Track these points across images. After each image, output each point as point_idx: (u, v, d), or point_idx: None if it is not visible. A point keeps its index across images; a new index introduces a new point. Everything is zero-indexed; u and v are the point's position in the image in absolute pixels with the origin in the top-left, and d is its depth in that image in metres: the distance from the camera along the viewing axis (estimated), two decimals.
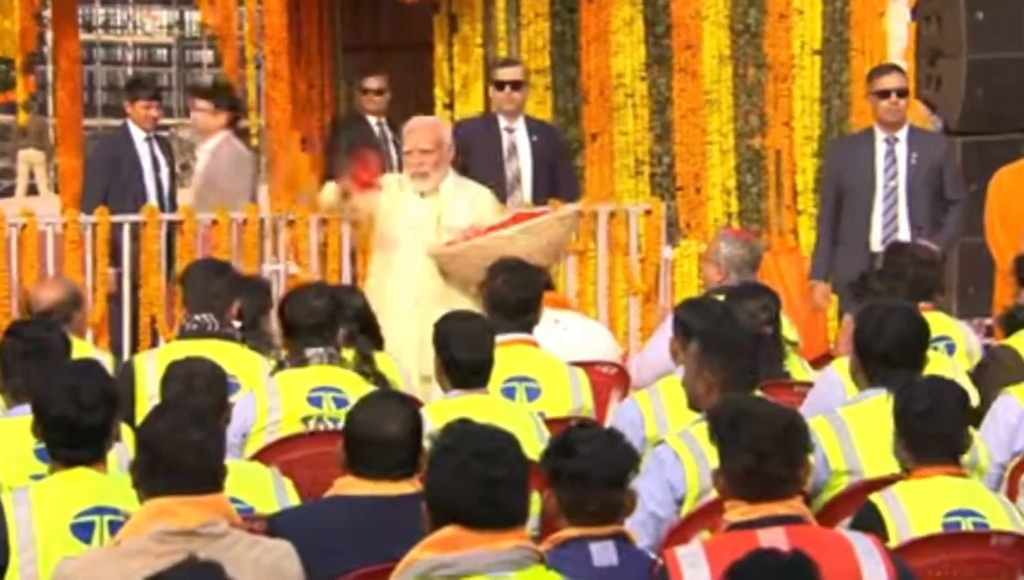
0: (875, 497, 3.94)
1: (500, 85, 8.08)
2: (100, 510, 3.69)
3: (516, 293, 5.49)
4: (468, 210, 6.69)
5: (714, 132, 9.07)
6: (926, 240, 7.14)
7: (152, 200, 8.10)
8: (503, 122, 8.00)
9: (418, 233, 6.62)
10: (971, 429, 4.61)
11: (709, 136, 9.06)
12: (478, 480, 3.20)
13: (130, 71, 25.10)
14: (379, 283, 6.64)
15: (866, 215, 7.37)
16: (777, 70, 9.07)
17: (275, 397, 5.00)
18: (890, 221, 7.35)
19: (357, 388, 5.05)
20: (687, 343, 4.84)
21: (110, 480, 3.77)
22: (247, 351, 5.49)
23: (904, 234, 7.32)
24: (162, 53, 28.04)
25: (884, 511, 3.88)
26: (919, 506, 3.89)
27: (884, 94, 7.40)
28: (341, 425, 4.83)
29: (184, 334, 5.54)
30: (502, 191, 7.86)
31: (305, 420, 4.99)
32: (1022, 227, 7.61)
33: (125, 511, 3.60)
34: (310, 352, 5.10)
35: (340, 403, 5.00)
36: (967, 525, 3.87)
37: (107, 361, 5.56)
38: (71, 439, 3.78)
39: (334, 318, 5.22)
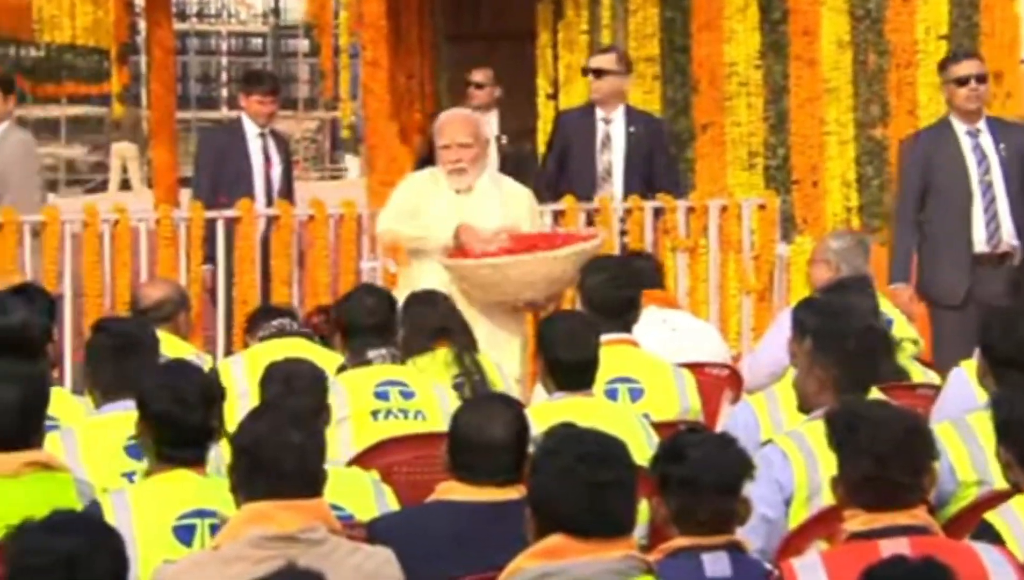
0: (990, 516, 3.88)
1: (585, 72, 8.11)
2: (201, 513, 3.74)
3: (617, 291, 5.49)
4: (501, 210, 6.56)
5: (832, 122, 9.01)
6: None
7: (261, 197, 8.13)
8: (600, 112, 7.98)
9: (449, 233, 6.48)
10: None
11: (827, 126, 9.00)
12: (584, 485, 3.21)
13: (224, 61, 25.40)
14: (411, 286, 6.37)
15: (963, 214, 7.14)
16: (900, 56, 8.98)
17: (340, 395, 5.05)
18: (991, 218, 7.19)
19: (422, 382, 5.12)
20: (803, 342, 4.82)
21: (210, 482, 3.83)
22: (327, 351, 5.57)
23: (1007, 231, 7.17)
24: (257, 42, 28.35)
25: (1003, 529, 3.81)
26: None
27: (963, 81, 7.25)
28: (411, 416, 4.91)
29: (265, 337, 5.67)
30: (592, 184, 7.86)
31: (374, 414, 5.05)
32: None
33: (224, 515, 3.65)
34: (372, 353, 5.17)
35: (407, 395, 5.07)
36: None
37: (206, 364, 5.65)
38: (174, 437, 3.85)
39: (392, 317, 5.26)
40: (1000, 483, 4.24)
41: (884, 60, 9.03)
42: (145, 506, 3.75)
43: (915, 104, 8.92)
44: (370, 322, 5.22)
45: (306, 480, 3.50)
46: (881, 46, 9.04)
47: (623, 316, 5.48)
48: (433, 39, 9.92)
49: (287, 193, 8.30)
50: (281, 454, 3.49)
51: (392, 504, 4.25)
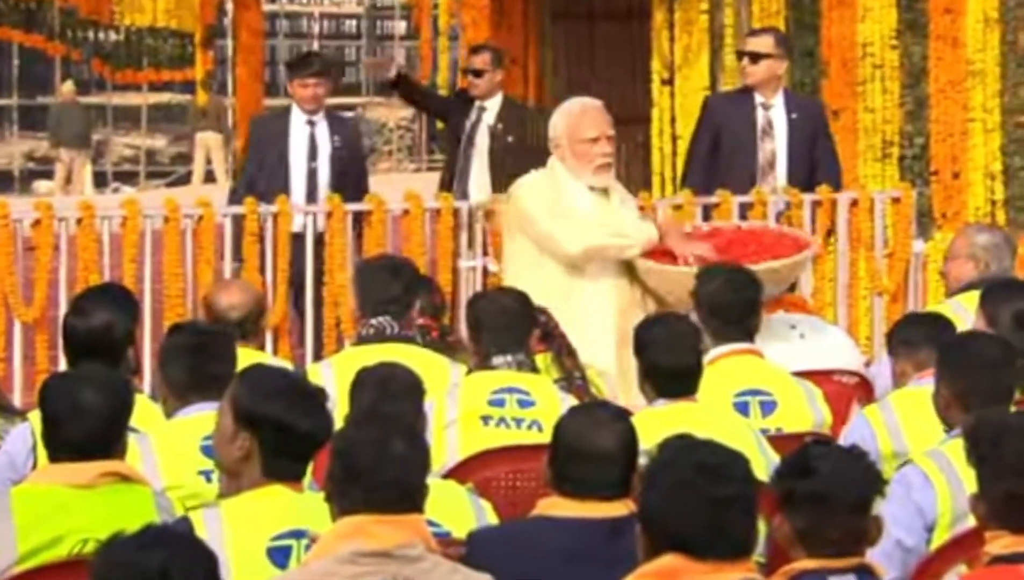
0: None
1: (740, 56, 8.08)
2: (297, 533, 3.74)
3: (736, 294, 5.47)
4: (625, 208, 6.54)
5: (977, 108, 8.91)
6: None
7: (297, 190, 8.09)
8: (758, 97, 7.94)
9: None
10: None
11: (971, 112, 8.91)
12: (703, 501, 3.21)
13: (316, 45, 25.63)
14: (564, 294, 6.29)
15: None
16: None
17: (452, 399, 5.09)
18: None
19: (547, 392, 5.12)
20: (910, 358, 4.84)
21: (307, 499, 3.81)
22: (433, 355, 5.56)
23: None
24: (351, 25, 28.57)
25: None
26: None
27: None
28: (525, 425, 4.92)
29: (361, 339, 5.61)
30: (752, 175, 7.81)
31: (484, 419, 5.06)
32: None
33: (318, 534, 3.65)
34: (498, 360, 5.17)
35: (525, 405, 5.07)
36: None
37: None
38: (282, 447, 3.78)
39: (526, 320, 5.26)
40: None
41: None
42: (239, 525, 3.73)
43: None
44: (501, 322, 5.22)
45: (406, 493, 3.52)
46: None
47: (744, 322, 5.47)
48: (538, 18, 9.94)
49: (351, 184, 8.14)
50: (380, 464, 3.51)
51: (491, 520, 4.27)
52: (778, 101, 7.89)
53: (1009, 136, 8.95)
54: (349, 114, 10.26)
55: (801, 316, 6.36)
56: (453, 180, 8.72)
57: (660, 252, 6.38)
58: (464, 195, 8.39)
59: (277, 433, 3.77)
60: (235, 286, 6.19)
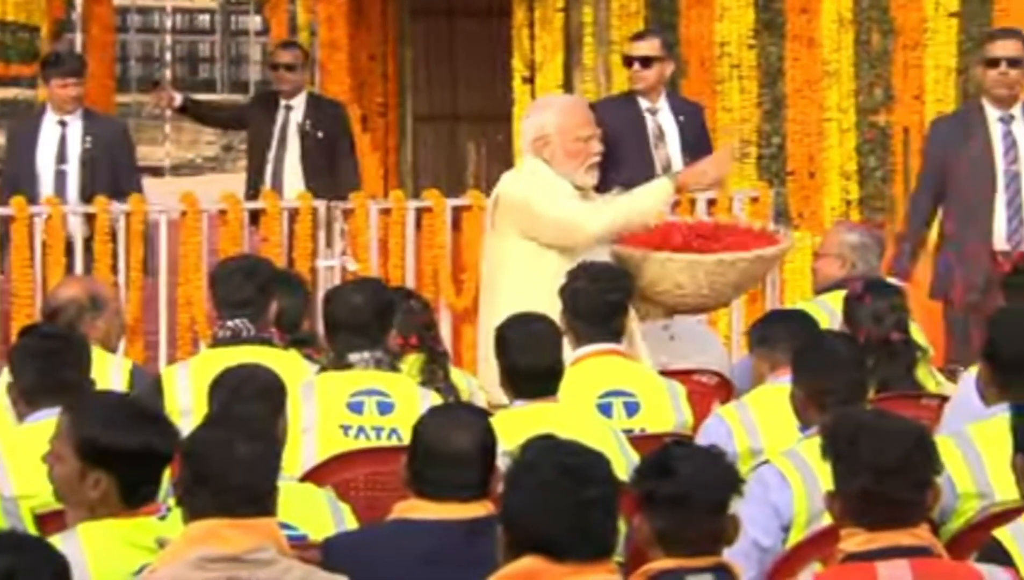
0: (999, 533, 3.92)
1: (628, 62, 8.07)
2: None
3: (603, 296, 5.51)
4: None
5: (832, 108, 9.04)
6: None
7: (45, 193, 7.90)
8: (643, 103, 7.97)
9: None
10: None
11: (827, 112, 9.03)
12: (564, 502, 3.22)
13: (168, 40, 25.33)
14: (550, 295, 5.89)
15: (984, 208, 7.15)
16: (907, 36, 9.02)
17: (310, 401, 5.03)
18: (1015, 213, 7.21)
19: (408, 393, 5.07)
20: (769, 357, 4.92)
21: (169, 527, 3.68)
22: (292, 357, 5.53)
23: None
24: (204, 20, 28.29)
25: (1011, 547, 3.86)
26: None
27: (994, 63, 7.27)
28: (385, 434, 4.90)
29: (217, 342, 5.55)
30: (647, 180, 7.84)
31: (344, 428, 5.02)
32: None
33: (164, 539, 3.58)
34: (354, 357, 5.12)
35: (385, 408, 5.02)
36: None
37: (123, 368, 5.62)
38: (141, 475, 3.71)
39: (383, 317, 5.22)
40: (1003, 496, 4.28)
41: (889, 40, 9.09)
42: (102, 554, 3.64)
43: (922, 88, 8.95)
44: (353, 321, 5.16)
45: (256, 496, 3.50)
46: (886, 24, 9.09)
47: (609, 323, 5.49)
48: (397, 15, 9.92)
49: (109, 186, 7.93)
50: (229, 467, 3.49)
51: (350, 523, 4.25)
52: (663, 104, 7.95)
53: (864, 136, 9.10)
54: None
55: (675, 319, 6.39)
56: (258, 182, 8.66)
57: (639, 238, 6.19)
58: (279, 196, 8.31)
59: (134, 465, 3.70)
60: (69, 282, 6.16)
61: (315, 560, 3.75)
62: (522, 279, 6.01)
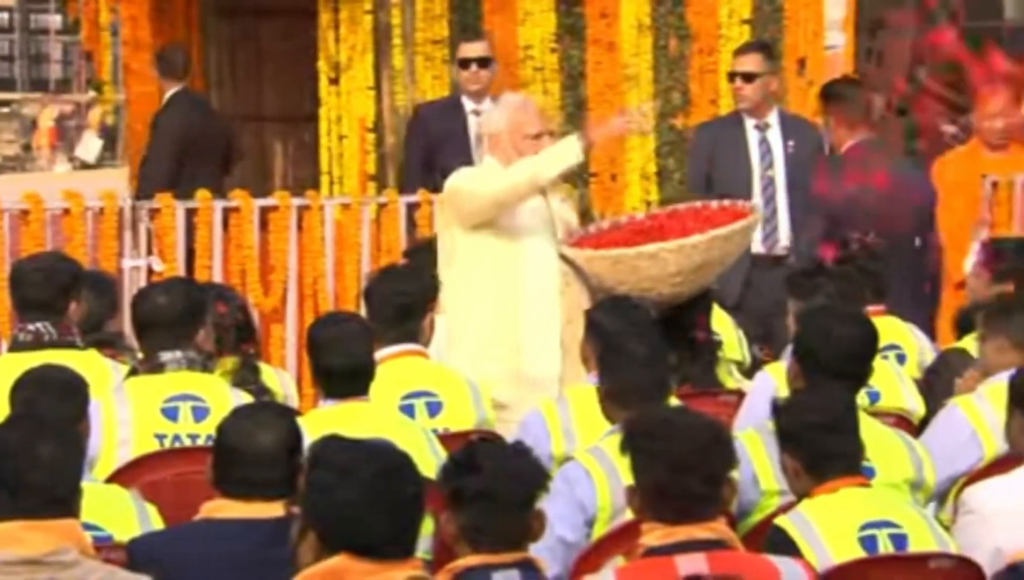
0: (781, 520, 4.03)
1: (465, 63, 8.06)
2: None
3: (392, 299, 5.49)
4: (563, 207, 6.31)
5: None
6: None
7: None
8: (469, 104, 7.97)
9: (542, 219, 6.12)
10: (918, 446, 4.73)
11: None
12: (371, 501, 3.22)
13: None
14: (495, 297, 6.05)
15: None
16: (702, 41, 9.15)
17: (124, 408, 4.97)
18: (770, 217, 7.38)
19: (222, 397, 5.02)
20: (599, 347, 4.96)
21: None
22: (94, 359, 5.43)
23: (784, 232, 7.37)
24: (3, 18, 27.69)
25: (794, 533, 3.96)
26: (830, 523, 3.98)
27: (731, 77, 7.48)
28: (201, 441, 4.85)
29: (17, 346, 5.41)
30: None
31: (159, 437, 4.95)
32: (969, 223, 7.75)
33: None
34: (166, 356, 5.06)
35: (200, 414, 4.96)
36: (883, 537, 3.97)
37: None
38: None
39: (190, 318, 5.14)
40: None
41: (686, 45, 9.20)
42: None
43: (717, 93, 9.09)
44: (160, 321, 5.08)
45: (56, 498, 3.44)
46: (683, 30, 9.20)
47: (404, 324, 5.46)
48: (201, 14, 9.80)
49: None
50: (28, 468, 3.42)
51: (156, 523, 4.21)
52: (486, 107, 7.94)
53: (663, 139, 9.20)
54: (28, 111, 9.78)
55: None
56: None
57: (587, 239, 6.13)
58: None
59: None
60: None
61: (121, 561, 3.70)
62: (461, 271, 6.06)
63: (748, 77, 7.50)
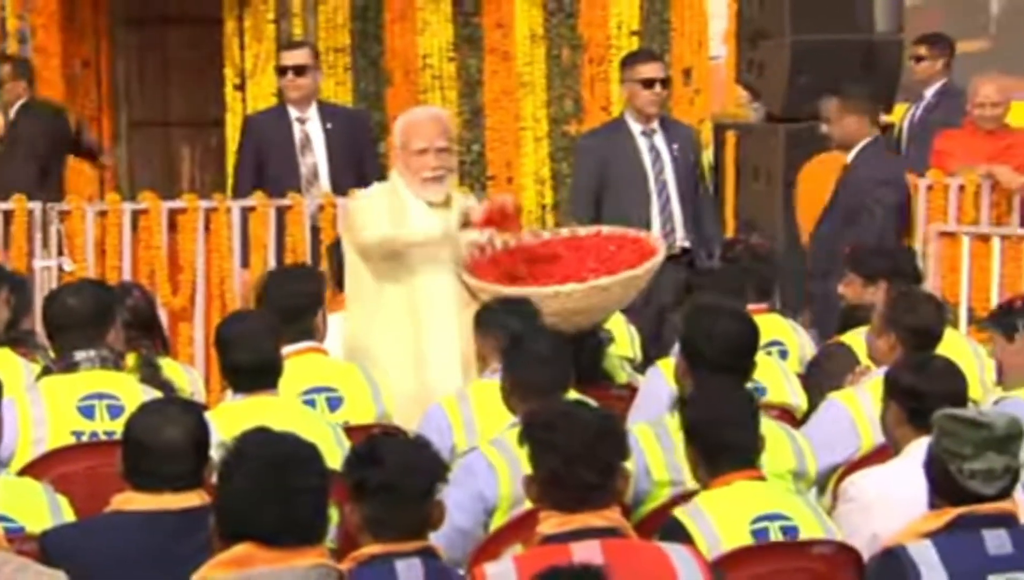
0: (678, 512, 4.04)
1: (283, 71, 7.97)
2: None
3: (290, 299, 5.42)
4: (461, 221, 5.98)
5: (527, 117, 9.15)
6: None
7: None
8: (293, 112, 7.90)
9: (431, 251, 5.79)
10: (799, 437, 4.76)
11: (522, 121, 9.14)
12: (275, 492, 3.19)
13: None
14: (395, 312, 5.79)
15: (640, 216, 7.24)
16: (593, 51, 9.19)
17: (39, 406, 4.89)
18: (667, 218, 7.42)
19: (135, 395, 4.95)
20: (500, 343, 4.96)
21: None
22: (8, 358, 5.35)
23: (680, 232, 7.41)
24: None
25: (689, 525, 3.98)
26: (724, 515, 4.00)
27: (648, 84, 7.48)
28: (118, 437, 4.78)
29: None
30: (297, 188, 7.80)
31: (76, 435, 4.87)
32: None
33: None
34: (80, 355, 4.99)
35: (115, 412, 4.89)
36: (775, 529, 3.99)
37: None
38: None
39: (102, 317, 5.07)
40: (691, 483, 4.39)
41: (577, 55, 9.22)
42: None
43: (608, 100, 9.14)
44: (70, 322, 5.00)
45: None
46: (575, 40, 9.23)
47: (300, 323, 5.39)
48: (109, 23, 9.69)
49: None
50: None
51: (68, 515, 4.15)
52: (312, 114, 7.90)
53: (556, 144, 9.22)
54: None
55: None
56: None
57: (489, 267, 5.86)
58: None
59: None
60: None
61: (32, 553, 3.64)
62: (353, 288, 5.89)
63: (665, 83, 7.51)
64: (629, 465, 3.72)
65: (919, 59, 8.87)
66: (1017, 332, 4.95)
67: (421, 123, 5.97)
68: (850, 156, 7.50)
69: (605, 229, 6.14)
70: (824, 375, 5.62)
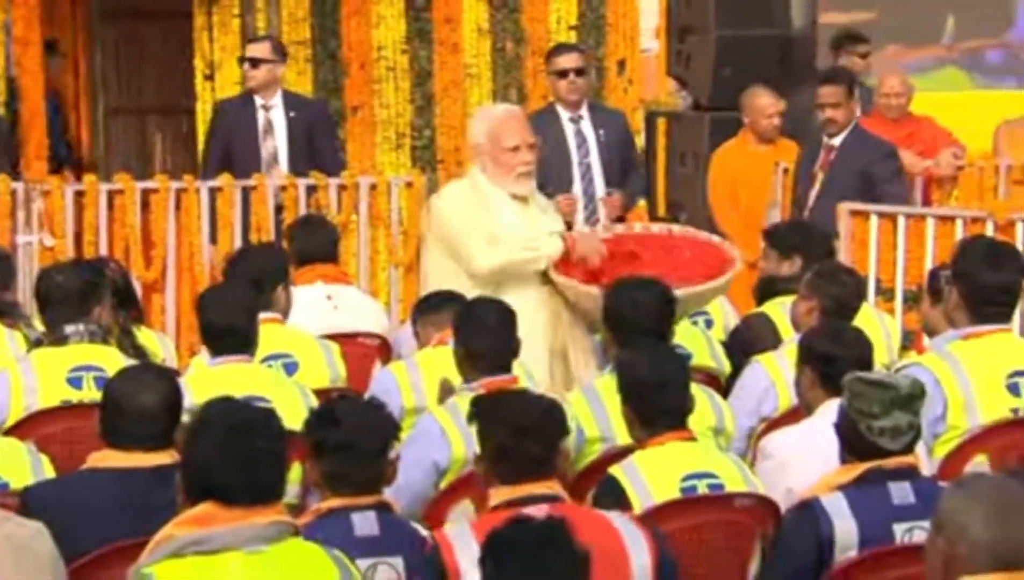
0: (614, 469, 4.04)
1: (242, 62, 7.97)
2: None
3: (251, 273, 5.33)
4: (547, 215, 5.83)
5: (475, 105, 9.11)
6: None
7: None
8: (259, 100, 7.87)
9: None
10: (717, 397, 4.78)
11: (470, 109, 9.11)
12: (234, 455, 3.17)
13: None
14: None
15: (563, 194, 7.10)
16: (535, 44, 9.17)
17: (30, 376, 4.85)
18: (589, 200, 7.40)
19: (119, 366, 4.90)
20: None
21: None
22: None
23: (603, 216, 7.38)
24: None
25: (624, 482, 3.98)
26: (657, 473, 3.99)
27: (563, 74, 7.46)
28: None
29: None
30: (258, 170, 7.76)
31: (65, 404, 4.82)
32: (759, 210, 7.86)
33: None
34: (69, 329, 4.95)
35: (102, 383, 4.80)
36: (703, 487, 4.00)
37: None
38: None
39: (88, 293, 5.04)
40: (623, 439, 4.39)
41: (521, 47, 9.20)
42: None
43: (548, 90, 9.12)
44: (60, 297, 4.96)
45: None
46: (518, 34, 9.21)
47: (263, 293, 5.23)
48: (87, 16, 9.59)
49: None
50: None
51: (49, 473, 4.13)
52: (276, 102, 7.85)
53: None
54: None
55: (341, 287, 6.31)
56: None
57: (573, 265, 5.63)
58: None
59: None
60: None
61: (14, 506, 3.61)
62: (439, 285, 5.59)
63: (580, 72, 7.49)
64: (569, 443, 3.71)
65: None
66: (943, 296, 4.96)
67: (509, 121, 5.76)
68: (839, 138, 7.45)
69: (676, 229, 5.99)
70: (744, 342, 5.63)
